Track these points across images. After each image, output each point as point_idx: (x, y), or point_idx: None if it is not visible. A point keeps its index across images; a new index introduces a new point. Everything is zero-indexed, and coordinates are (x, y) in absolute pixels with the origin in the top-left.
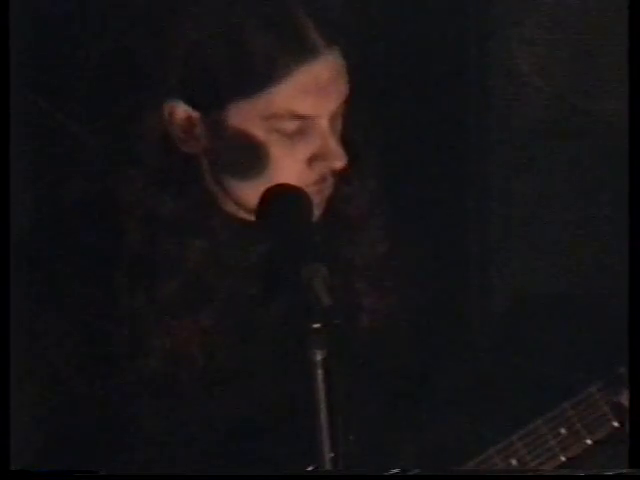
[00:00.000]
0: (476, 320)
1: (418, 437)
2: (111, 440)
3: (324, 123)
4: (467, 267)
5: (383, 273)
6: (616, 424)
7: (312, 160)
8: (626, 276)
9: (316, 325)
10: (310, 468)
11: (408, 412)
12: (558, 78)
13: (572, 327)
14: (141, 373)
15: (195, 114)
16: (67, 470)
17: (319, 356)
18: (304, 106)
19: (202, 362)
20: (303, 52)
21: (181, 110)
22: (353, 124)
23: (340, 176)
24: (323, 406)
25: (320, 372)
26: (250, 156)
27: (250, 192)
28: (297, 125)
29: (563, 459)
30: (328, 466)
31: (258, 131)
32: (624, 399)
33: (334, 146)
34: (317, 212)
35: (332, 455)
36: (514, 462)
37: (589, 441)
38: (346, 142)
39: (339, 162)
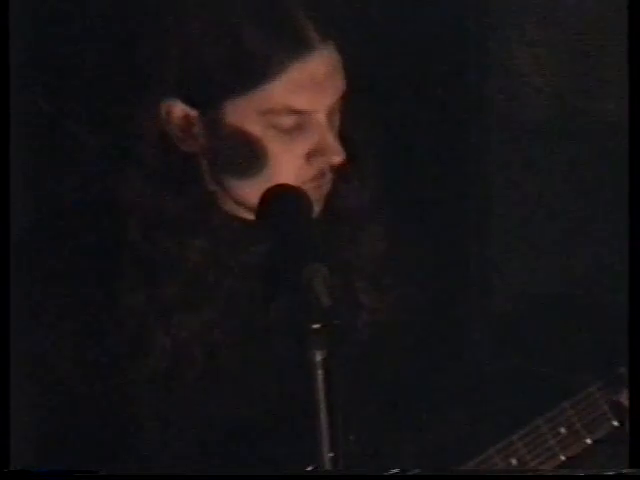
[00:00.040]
0: (476, 320)
1: (418, 437)
2: (111, 440)
3: (321, 118)
4: (467, 267)
5: (382, 272)
6: (616, 423)
7: (310, 156)
8: (626, 276)
9: (316, 325)
10: (309, 468)
11: (408, 412)
12: (558, 78)
13: (572, 327)
14: (141, 373)
15: (193, 113)
16: (67, 470)
17: (319, 356)
18: (300, 101)
19: (202, 362)
20: (298, 47)
21: (179, 109)
22: (353, 123)
23: (339, 174)
24: (323, 406)
25: (320, 372)
26: (248, 153)
27: (249, 190)
28: (294, 120)
29: (563, 458)
30: (328, 466)
31: (255, 127)
32: (624, 398)
33: (332, 141)
34: (317, 208)
35: (332, 455)
36: (514, 462)
37: (589, 440)
38: (345, 140)
39: (337, 157)
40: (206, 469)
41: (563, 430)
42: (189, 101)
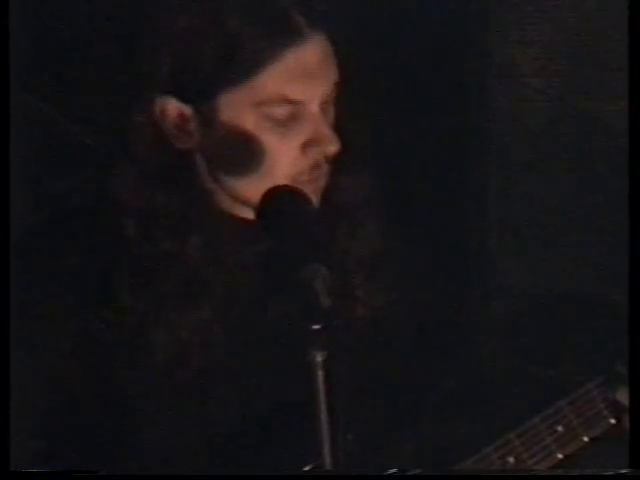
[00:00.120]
0: (476, 320)
1: (417, 437)
2: (111, 440)
3: (315, 108)
4: (467, 267)
5: (380, 268)
6: (613, 421)
7: (305, 146)
8: (626, 276)
9: (316, 326)
10: (307, 468)
11: (408, 412)
12: (558, 79)
13: (572, 327)
14: (140, 373)
15: (187, 109)
16: (67, 470)
17: (319, 357)
18: (293, 90)
19: (202, 363)
20: (289, 37)
21: (173, 106)
22: (347, 116)
23: (336, 166)
24: (324, 407)
25: (320, 373)
26: (244, 146)
27: (246, 186)
28: (288, 110)
29: (560, 456)
30: (328, 466)
31: (250, 119)
32: (620, 396)
33: (327, 131)
34: (314, 200)
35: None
36: (511, 460)
37: (586, 438)
38: (340, 131)
39: (332, 147)
40: (206, 469)
41: (560, 428)
42: (183, 97)
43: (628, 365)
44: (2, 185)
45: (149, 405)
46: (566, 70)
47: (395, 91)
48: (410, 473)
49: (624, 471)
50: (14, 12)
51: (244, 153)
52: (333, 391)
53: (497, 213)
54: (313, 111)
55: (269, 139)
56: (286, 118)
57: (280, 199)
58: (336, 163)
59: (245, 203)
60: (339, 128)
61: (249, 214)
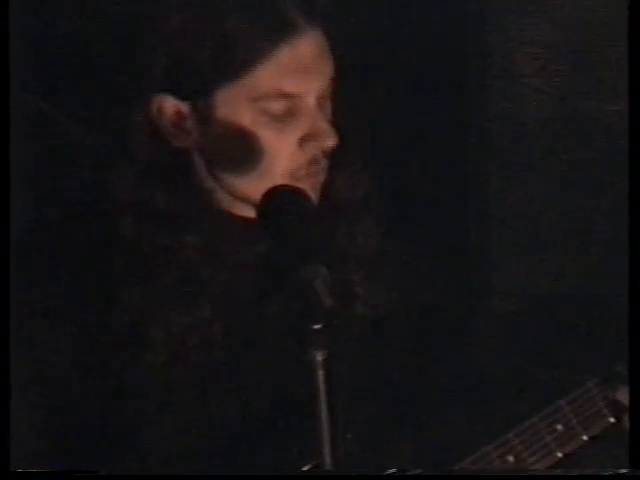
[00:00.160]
0: (476, 320)
1: (418, 436)
2: (111, 440)
3: (311, 102)
4: (467, 267)
5: (379, 265)
6: (612, 420)
7: (303, 141)
8: (626, 276)
9: (317, 326)
10: (306, 467)
11: (408, 411)
12: (558, 79)
13: (572, 327)
14: (140, 372)
15: (184, 107)
16: (67, 470)
17: (319, 357)
18: (289, 84)
19: (201, 363)
20: (284, 31)
21: (170, 104)
22: (345, 111)
23: (333, 162)
24: (324, 407)
25: (321, 373)
26: (241, 143)
27: (244, 181)
28: (285, 105)
29: (560, 455)
30: (328, 466)
31: (247, 115)
32: (620, 395)
33: (324, 125)
34: (313, 196)
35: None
36: (511, 459)
37: (585, 437)
38: (338, 127)
39: (330, 141)
40: (206, 469)
41: (560, 427)
42: (180, 95)
43: (628, 365)
44: (2, 185)
45: (149, 405)
46: (566, 70)
47: (395, 90)
48: (410, 473)
49: (624, 471)
50: (14, 12)
51: (242, 149)
52: (333, 391)
53: (497, 213)
54: (310, 106)
55: (266, 134)
56: (283, 113)
57: (280, 198)
58: (335, 160)
59: (244, 200)
60: (338, 125)
61: (248, 212)
